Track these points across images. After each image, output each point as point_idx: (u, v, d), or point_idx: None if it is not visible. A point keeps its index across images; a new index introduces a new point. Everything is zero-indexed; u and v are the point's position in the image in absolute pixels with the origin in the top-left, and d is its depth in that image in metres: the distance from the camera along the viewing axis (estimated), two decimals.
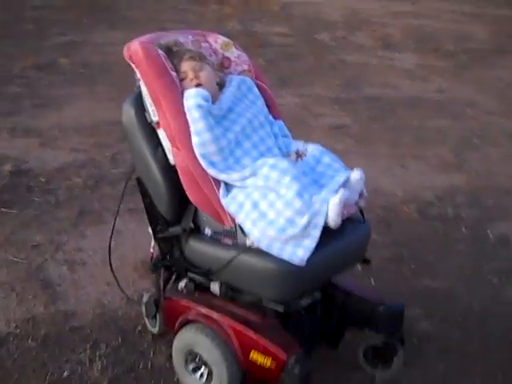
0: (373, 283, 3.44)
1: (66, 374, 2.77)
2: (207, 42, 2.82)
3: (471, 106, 6.80)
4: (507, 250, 3.96)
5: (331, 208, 2.27)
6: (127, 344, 2.96)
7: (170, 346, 2.89)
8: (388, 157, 5.22)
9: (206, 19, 9.68)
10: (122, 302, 3.25)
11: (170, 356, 2.85)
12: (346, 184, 2.42)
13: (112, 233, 3.05)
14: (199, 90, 2.51)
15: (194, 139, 2.43)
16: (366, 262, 2.72)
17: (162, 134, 2.55)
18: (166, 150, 2.56)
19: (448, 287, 3.54)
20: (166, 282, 2.83)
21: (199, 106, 2.44)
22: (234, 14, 10.28)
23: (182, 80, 2.58)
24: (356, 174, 2.44)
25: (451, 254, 3.88)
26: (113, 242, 3.67)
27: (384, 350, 2.78)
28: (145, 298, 3.02)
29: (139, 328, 3.06)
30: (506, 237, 4.12)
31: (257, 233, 2.32)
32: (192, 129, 2.44)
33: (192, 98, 2.46)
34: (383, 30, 9.95)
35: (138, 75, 2.58)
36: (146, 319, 3.03)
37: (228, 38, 2.88)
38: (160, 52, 2.57)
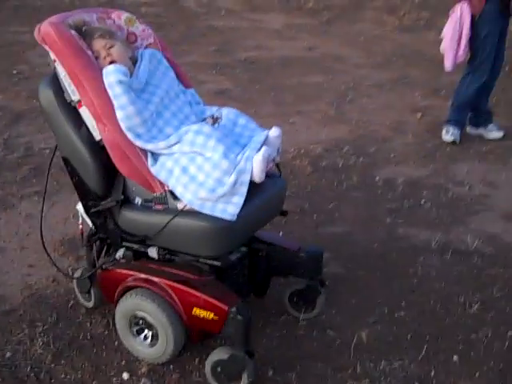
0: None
1: (8, 354, 2.85)
2: (111, 18, 2.89)
3: (340, 61, 7.19)
4: (394, 192, 4.35)
5: (255, 165, 2.47)
6: (63, 319, 3.07)
7: (105, 316, 3.08)
8: (273, 116, 5.48)
9: None
10: (49, 280, 3.34)
11: (107, 324, 3.03)
12: (265, 142, 2.61)
13: (42, 216, 3.17)
14: (117, 66, 2.59)
15: (119, 114, 2.53)
16: (283, 213, 2.95)
17: (84, 112, 2.63)
18: (90, 127, 2.64)
19: (348, 231, 3.87)
20: (99, 254, 2.96)
21: (120, 82, 2.53)
22: None
23: (96, 58, 2.67)
24: (274, 132, 2.64)
25: (346, 201, 4.22)
26: (27, 227, 3.78)
27: (307, 293, 3.06)
28: (77, 274, 3.13)
29: (71, 303, 3.17)
30: (391, 179, 4.52)
31: (189, 195, 2.48)
32: (116, 104, 2.54)
33: (112, 74, 2.55)
34: None
35: (53, 56, 2.63)
36: (78, 295, 3.14)
37: None
38: (73, 32, 2.63)
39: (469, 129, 5.30)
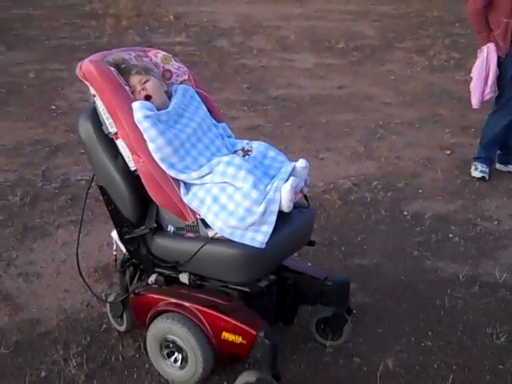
0: None
1: (43, 374, 2.95)
2: (148, 57, 3.06)
3: (370, 99, 7.28)
4: (422, 226, 4.39)
5: (284, 195, 2.56)
6: (96, 342, 3.17)
7: (137, 339, 3.17)
8: (303, 151, 5.57)
9: (105, 34, 9.78)
10: (83, 305, 3.45)
11: (138, 347, 3.12)
12: (293, 172, 2.70)
13: (78, 243, 3.24)
14: (143, 102, 2.73)
15: (150, 146, 2.66)
16: (311, 243, 3.03)
17: (120, 143, 2.77)
18: (126, 158, 2.79)
19: (376, 263, 3.92)
20: (132, 280, 3.06)
21: (147, 117, 2.66)
22: (131, 26, 10.42)
23: (133, 93, 2.82)
24: (301, 163, 2.73)
25: (374, 233, 4.27)
26: (63, 254, 3.90)
27: (333, 321, 3.11)
28: (110, 298, 3.23)
29: (104, 326, 3.27)
30: (419, 214, 4.56)
31: (219, 224, 2.58)
32: (146, 137, 2.67)
33: (138, 111, 2.68)
34: (278, 33, 10.37)
35: (93, 91, 2.80)
36: (111, 319, 3.23)
37: None
38: (112, 69, 2.81)
39: (498, 166, 5.34)
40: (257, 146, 2.87)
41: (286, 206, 2.57)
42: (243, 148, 2.88)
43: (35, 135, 5.87)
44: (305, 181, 2.78)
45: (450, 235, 4.27)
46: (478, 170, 5.15)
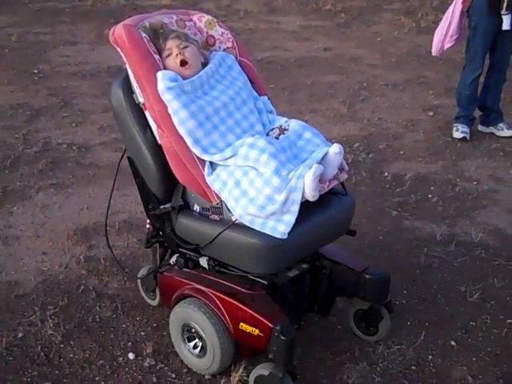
0: None
1: (20, 335, 2.97)
2: (191, 20, 2.87)
3: (355, 61, 7.25)
4: (402, 187, 4.41)
5: (307, 183, 2.33)
6: (73, 303, 3.19)
7: (114, 301, 3.20)
8: (286, 113, 5.48)
9: None
10: (61, 267, 3.46)
11: (116, 308, 3.15)
12: (324, 158, 2.47)
13: (108, 208, 3.07)
14: (164, 72, 2.55)
15: (174, 120, 2.49)
16: (351, 233, 2.87)
17: (148, 115, 2.63)
18: (154, 131, 2.65)
19: (355, 223, 3.91)
20: (162, 258, 2.96)
21: (169, 88, 2.50)
22: None
23: (166, 57, 2.64)
24: (334, 148, 2.46)
25: (355, 194, 4.24)
26: (43, 217, 3.91)
27: (369, 316, 2.93)
28: (141, 273, 3.16)
29: (82, 288, 3.29)
30: (400, 175, 4.58)
31: (239, 210, 2.42)
32: (170, 110, 2.51)
33: (160, 82, 2.52)
34: None
35: (124, 58, 2.64)
36: (142, 293, 3.18)
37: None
38: (143, 35, 2.62)
39: (480, 127, 5.36)
40: (293, 125, 2.64)
41: (310, 195, 2.35)
42: (280, 126, 2.67)
43: (17, 99, 5.84)
44: (341, 167, 2.59)
45: (429, 195, 4.30)
46: (458, 131, 5.17)
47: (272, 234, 2.38)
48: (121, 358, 2.84)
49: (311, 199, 2.37)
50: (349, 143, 5.04)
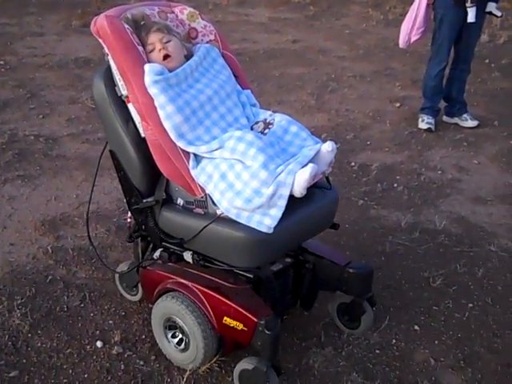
0: None
1: None
2: (173, 12, 2.83)
3: (323, 53, 7.32)
4: (368, 176, 4.48)
5: (298, 181, 2.32)
6: (41, 293, 3.19)
7: (82, 290, 3.20)
8: None
9: None
10: (29, 258, 3.45)
11: (83, 297, 3.16)
12: (316, 156, 2.46)
13: (90, 202, 3.12)
14: (151, 65, 2.53)
15: (160, 113, 2.47)
16: (334, 226, 2.85)
17: (131, 108, 2.59)
18: (137, 124, 2.60)
19: None
20: (144, 252, 2.94)
21: (155, 82, 2.47)
22: None
23: (150, 52, 2.62)
24: (327, 146, 2.46)
25: None
26: (9, 208, 3.90)
27: (351, 310, 2.95)
28: (121, 268, 3.13)
29: (50, 278, 3.29)
30: (366, 165, 4.65)
31: (225, 203, 2.39)
32: (156, 104, 2.48)
33: (147, 75, 2.49)
34: None
35: (106, 49, 2.60)
36: (121, 289, 3.17)
37: None
38: (126, 26, 2.58)
39: (445, 118, 5.45)
40: (279, 120, 2.62)
41: (299, 192, 2.35)
42: (265, 120, 2.65)
43: None
44: (328, 163, 2.56)
45: (395, 185, 4.37)
46: (424, 122, 5.25)
47: (258, 228, 2.37)
48: (89, 347, 2.85)
49: (299, 195, 2.36)
50: (317, 134, 4.92)
